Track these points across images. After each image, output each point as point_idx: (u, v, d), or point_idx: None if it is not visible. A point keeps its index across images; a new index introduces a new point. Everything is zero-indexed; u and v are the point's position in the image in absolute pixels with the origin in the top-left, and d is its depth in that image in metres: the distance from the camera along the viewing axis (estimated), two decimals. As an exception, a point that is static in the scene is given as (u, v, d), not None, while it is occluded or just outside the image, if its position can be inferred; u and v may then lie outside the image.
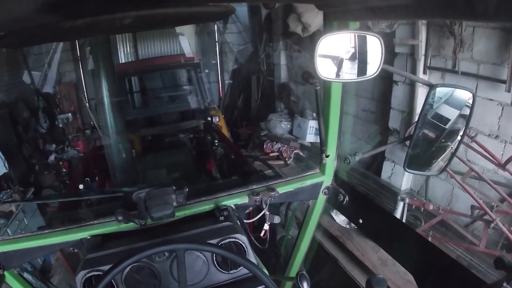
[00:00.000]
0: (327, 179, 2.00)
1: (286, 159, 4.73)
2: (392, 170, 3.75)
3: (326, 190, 2.02)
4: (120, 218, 1.53)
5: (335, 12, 1.49)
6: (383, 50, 1.25)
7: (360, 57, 1.31)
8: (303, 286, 1.59)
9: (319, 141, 5.40)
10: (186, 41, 5.61)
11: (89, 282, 1.48)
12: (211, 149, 3.71)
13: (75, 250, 1.79)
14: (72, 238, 1.72)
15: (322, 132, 1.82)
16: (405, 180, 3.64)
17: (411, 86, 3.43)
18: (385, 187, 3.72)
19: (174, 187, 1.59)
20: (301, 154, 4.75)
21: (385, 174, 3.83)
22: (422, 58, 3.28)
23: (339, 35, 1.35)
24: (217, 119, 4.81)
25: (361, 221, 2.03)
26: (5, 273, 1.76)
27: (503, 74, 2.76)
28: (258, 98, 5.99)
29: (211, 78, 5.82)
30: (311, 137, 4.98)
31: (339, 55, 1.32)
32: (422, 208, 3.07)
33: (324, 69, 1.29)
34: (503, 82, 2.73)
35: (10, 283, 1.83)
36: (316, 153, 4.87)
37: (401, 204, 2.99)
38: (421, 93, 3.32)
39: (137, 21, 1.70)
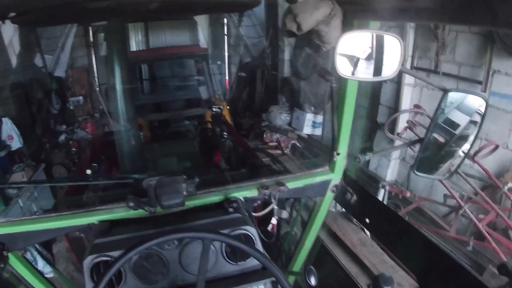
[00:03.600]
0: (336, 177, 1.98)
1: (284, 149, 4.95)
2: (378, 162, 4.01)
3: (334, 188, 2.00)
4: (131, 204, 1.53)
5: (356, 11, 1.49)
6: (403, 51, 1.26)
7: (378, 57, 1.32)
8: (311, 281, 1.64)
9: (316, 133, 5.51)
10: (197, 32, 5.79)
11: (96, 267, 1.49)
12: (219, 140, 3.72)
13: (81, 235, 1.79)
14: (79, 222, 1.72)
15: (335, 129, 1.82)
16: (390, 172, 3.91)
17: (398, 85, 3.65)
18: (371, 177, 3.94)
19: (184, 176, 1.57)
20: (298, 144, 4.97)
21: (372, 165, 4.11)
22: (409, 59, 3.53)
23: (358, 33, 1.36)
24: (221, 109, 5.00)
25: (367, 221, 2.05)
26: (9, 254, 1.75)
27: (480, 75, 3.02)
28: (262, 91, 6.19)
29: (219, 70, 5.94)
30: (308, 129, 5.21)
31: (357, 53, 1.32)
32: (401, 195, 3.33)
33: (343, 67, 1.30)
34: (480, 83, 2.99)
35: (13, 265, 1.80)
36: (313, 145, 5.12)
37: (382, 191, 3.18)
38: (406, 91, 3.57)
39: (163, 7, 1.69)
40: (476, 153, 2.73)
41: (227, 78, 5.53)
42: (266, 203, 1.84)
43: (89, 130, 5.72)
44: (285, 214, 2.95)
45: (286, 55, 5.94)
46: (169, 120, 5.13)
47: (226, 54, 5.50)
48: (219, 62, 5.77)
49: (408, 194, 3.20)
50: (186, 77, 5.61)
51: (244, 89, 6.19)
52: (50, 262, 3.29)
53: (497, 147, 2.76)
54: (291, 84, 5.73)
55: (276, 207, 1.81)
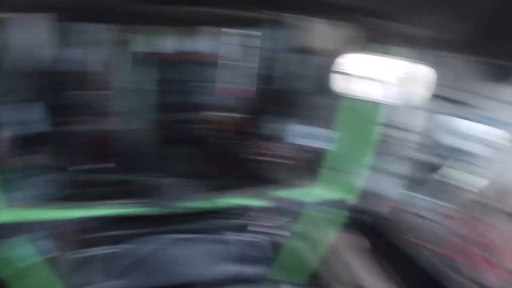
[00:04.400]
0: (345, 195, 2.09)
1: (286, 160, 5.22)
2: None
3: (341, 205, 2.11)
4: (147, 201, 1.66)
5: (378, 36, 1.57)
6: (429, 82, 1.25)
7: (403, 84, 1.29)
8: None
9: (319, 147, 5.68)
10: (223, 40, 6.06)
11: (103, 258, 1.60)
12: (230, 147, 3.95)
13: (85, 226, 1.95)
14: (88, 214, 1.89)
15: (351, 148, 1.86)
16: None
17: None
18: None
19: (196, 179, 1.74)
20: (300, 157, 5.24)
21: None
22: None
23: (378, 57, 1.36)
24: (234, 115, 5.36)
25: (370, 242, 2.15)
26: (16, 238, 1.95)
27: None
28: (276, 102, 6.43)
29: (238, 79, 6.22)
30: (314, 143, 5.40)
31: (374, 75, 1.36)
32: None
33: (363, 87, 1.27)
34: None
35: (18, 248, 2.02)
36: (315, 161, 5.32)
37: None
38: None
39: (196, 17, 1.83)
40: None
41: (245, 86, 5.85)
42: (275, 212, 1.95)
43: (102, 122, 6.02)
44: (288, 225, 3.14)
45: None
46: (182, 124, 5.31)
47: (249, 65, 5.83)
48: (240, 72, 6.09)
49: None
50: (204, 82, 5.82)
51: (260, 99, 6.45)
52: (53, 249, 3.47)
53: None
54: (305, 98, 6.00)
55: (281, 217, 1.91)
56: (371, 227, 2.07)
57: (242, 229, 1.54)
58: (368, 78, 1.34)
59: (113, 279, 1.46)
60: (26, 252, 1.98)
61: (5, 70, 5.39)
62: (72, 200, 2.01)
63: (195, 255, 1.55)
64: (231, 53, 5.85)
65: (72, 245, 3.62)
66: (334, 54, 5.24)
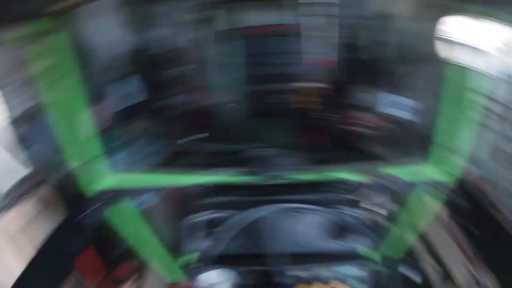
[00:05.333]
0: (449, 175, 1.96)
1: (373, 130, 5.22)
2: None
3: (444, 186, 1.99)
4: (245, 170, 1.68)
5: None
6: None
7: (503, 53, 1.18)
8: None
9: (413, 120, 5.52)
10: (304, 11, 6.03)
11: (211, 222, 1.64)
12: (323, 118, 3.86)
13: (188, 193, 2.00)
14: (189, 181, 1.93)
15: (458, 126, 1.77)
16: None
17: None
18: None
19: (295, 152, 1.70)
20: (389, 127, 5.20)
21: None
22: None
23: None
24: (322, 86, 5.42)
25: (475, 233, 1.99)
26: (120, 201, 2.04)
27: None
28: (363, 71, 6.30)
29: (326, 50, 6.26)
30: (403, 114, 5.32)
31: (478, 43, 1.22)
32: None
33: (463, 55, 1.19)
34: None
35: (118, 214, 2.14)
36: (406, 131, 5.23)
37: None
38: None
39: None
40: None
41: (334, 58, 5.88)
42: (371, 188, 1.89)
43: (195, 95, 6.48)
44: (386, 204, 3.12)
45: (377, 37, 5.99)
46: (271, 92, 5.46)
47: (338, 35, 5.83)
48: (324, 42, 6.12)
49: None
50: (290, 54, 5.90)
51: (345, 70, 6.43)
52: (149, 215, 3.69)
53: None
54: (387, 66, 5.87)
55: (379, 194, 1.86)
56: (472, 209, 1.93)
57: (348, 203, 1.51)
58: (468, 45, 1.15)
59: (219, 245, 1.40)
60: (130, 216, 2.05)
61: (105, 51, 5.98)
62: (174, 167, 1.95)
63: (303, 226, 1.62)
64: (313, 24, 5.90)
65: (176, 211, 4.04)
66: (423, 19, 5.05)
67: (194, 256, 1.63)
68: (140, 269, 4.82)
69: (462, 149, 1.80)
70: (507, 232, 1.97)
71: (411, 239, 2.25)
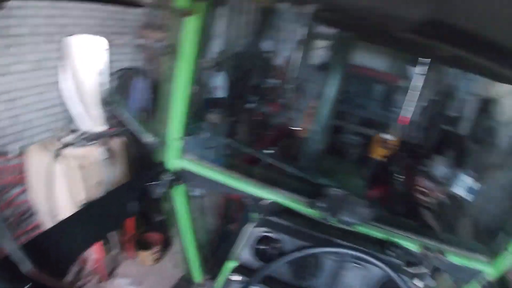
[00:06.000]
0: (492, 272, 1.83)
1: (432, 199, 5.12)
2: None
3: (485, 283, 1.87)
4: (321, 205, 1.62)
5: None
6: None
7: None
8: None
9: (468, 198, 5.22)
10: (402, 65, 6.13)
11: (262, 239, 1.58)
12: (390, 177, 3.77)
13: (247, 202, 1.87)
14: (257, 193, 1.85)
15: None
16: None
17: None
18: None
19: (368, 202, 1.65)
20: (447, 200, 5.09)
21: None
22: None
23: None
24: (392, 138, 5.27)
25: None
26: (179, 186, 1.96)
27: None
28: (437, 140, 6.33)
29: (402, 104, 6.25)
30: (460, 190, 5.12)
31: None
32: None
33: None
34: None
35: (176, 195, 2.04)
36: (460, 210, 5.05)
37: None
38: None
39: (452, 58, 1.67)
40: None
41: (410, 115, 5.83)
42: (412, 262, 1.76)
43: (274, 109, 6.68)
44: (432, 283, 2.97)
45: (472, 115, 5.97)
46: (344, 131, 5.60)
47: (418, 93, 5.80)
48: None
49: None
50: (371, 99, 6.06)
51: (421, 132, 6.38)
52: (202, 208, 3.79)
53: None
54: (464, 143, 5.79)
55: (428, 272, 1.72)
56: None
57: (395, 268, 1.45)
58: None
59: (268, 265, 1.38)
60: (182, 200, 2.08)
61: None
62: (241, 172, 1.98)
63: (354, 278, 1.57)
64: (416, 82, 5.84)
65: (229, 215, 4.00)
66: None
67: (233, 264, 1.63)
68: (166, 243, 4.93)
69: None
70: None
71: None
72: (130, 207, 1.77)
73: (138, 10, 5.38)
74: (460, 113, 6.19)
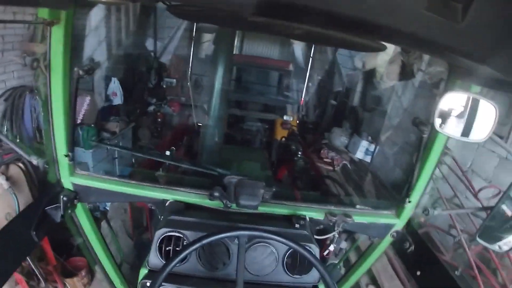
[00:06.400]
0: (400, 223, 1.95)
1: (336, 166, 5.53)
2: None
3: (395, 234, 1.97)
4: (216, 194, 1.62)
5: (462, 72, 1.52)
6: (496, 119, 1.27)
7: (470, 119, 1.32)
8: None
9: (366, 159, 5.79)
10: (288, 49, 6.55)
11: (167, 239, 1.57)
12: (291, 156, 3.78)
13: (152, 207, 1.88)
14: (156, 196, 1.83)
15: (414, 177, 1.80)
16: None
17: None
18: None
19: (264, 183, 1.67)
20: (349, 166, 5.52)
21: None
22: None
23: (459, 94, 1.35)
24: (291, 119, 5.72)
25: (418, 273, 2.06)
26: (78, 204, 1.88)
27: (503, 131, 3.50)
28: (331, 114, 6.91)
29: (297, 87, 6.59)
30: (360, 154, 5.82)
31: (455, 112, 1.32)
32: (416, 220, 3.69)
33: (439, 121, 1.33)
34: (502, 137, 3.45)
35: (78, 215, 1.95)
36: (362, 170, 5.52)
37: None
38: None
39: (305, 34, 1.64)
40: (478, 191, 3.20)
41: (303, 95, 6.18)
42: (326, 229, 1.86)
43: (174, 109, 6.60)
44: (343, 245, 2.99)
45: (359, 88, 6.53)
46: (244, 120, 5.79)
47: (307, 74, 6.16)
48: (299, 80, 6.46)
49: (422, 220, 3.33)
50: (267, 86, 6.35)
51: (315, 109, 6.96)
52: (108, 221, 3.54)
53: (500, 192, 3.07)
54: (356, 113, 6.39)
55: (337, 235, 1.81)
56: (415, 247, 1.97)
57: (299, 238, 1.54)
58: (450, 114, 1.30)
59: (171, 263, 1.38)
60: (85, 217, 2.01)
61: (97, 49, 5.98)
62: (141, 178, 1.93)
63: (261, 257, 1.66)
64: (305, 64, 6.17)
65: (134, 223, 3.76)
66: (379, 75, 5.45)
67: (144, 271, 1.60)
68: (91, 265, 4.67)
69: (416, 198, 1.88)
70: (441, 264, 2.07)
71: (358, 275, 2.24)
72: (29, 238, 1.63)
73: (19, 25, 4.88)
74: (349, 87, 6.70)
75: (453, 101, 1.35)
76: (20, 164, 3.90)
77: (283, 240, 1.44)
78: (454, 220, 3.31)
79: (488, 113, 1.30)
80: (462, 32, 0.87)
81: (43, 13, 1.50)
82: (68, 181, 1.80)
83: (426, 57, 3.99)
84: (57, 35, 1.55)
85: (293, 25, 1.41)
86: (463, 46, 0.97)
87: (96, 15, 4.80)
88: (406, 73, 4.46)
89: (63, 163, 1.79)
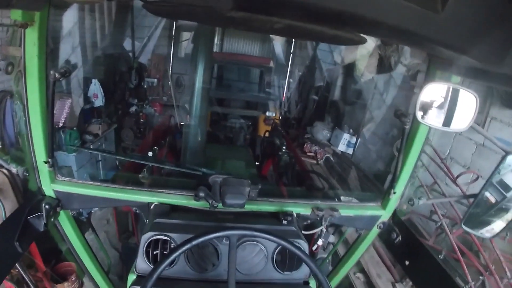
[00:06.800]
0: (386, 215, 1.98)
1: (319, 159, 5.64)
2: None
3: (381, 225, 2.01)
4: (201, 194, 1.61)
5: (441, 63, 1.54)
6: (477, 108, 1.28)
7: (451, 109, 1.34)
8: None
9: (348, 152, 5.88)
10: (268, 46, 6.63)
11: (154, 243, 1.56)
12: (276, 152, 3.79)
13: (137, 211, 1.85)
14: (141, 199, 1.81)
15: (398, 168, 1.82)
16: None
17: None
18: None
19: (249, 181, 1.66)
20: (331, 159, 5.64)
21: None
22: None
23: (440, 85, 1.37)
24: (273, 115, 5.80)
25: (407, 263, 2.06)
26: (61, 211, 1.84)
27: (479, 119, 3.66)
28: (313, 108, 6.92)
29: (278, 83, 6.79)
30: (342, 147, 5.89)
31: (436, 103, 1.34)
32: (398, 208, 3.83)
33: (421, 112, 1.34)
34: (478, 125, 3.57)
35: (62, 222, 1.91)
36: (344, 163, 5.62)
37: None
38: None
39: (284, 29, 1.60)
40: (457, 177, 3.25)
41: (284, 91, 6.23)
42: (313, 223, 1.88)
43: (156, 109, 6.56)
44: (331, 239, 2.99)
45: (339, 82, 6.60)
46: (227, 118, 5.81)
47: (288, 70, 6.20)
48: (280, 76, 6.56)
49: (404, 207, 3.59)
50: (249, 83, 6.33)
51: (297, 104, 7.05)
52: (93, 227, 3.46)
53: (478, 177, 3.19)
54: (337, 107, 6.49)
55: (324, 229, 1.82)
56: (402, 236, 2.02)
57: (287, 235, 1.54)
58: (432, 104, 1.33)
59: (160, 267, 1.36)
60: (69, 223, 1.97)
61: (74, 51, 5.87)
62: (124, 181, 1.92)
63: (251, 255, 1.65)
64: (286, 60, 6.22)
65: (120, 228, 3.70)
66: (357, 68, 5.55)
67: (133, 276, 1.57)
68: (78, 273, 4.61)
69: (400, 189, 1.90)
70: (428, 252, 2.06)
71: (348, 267, 2.27)
72: (14, 249, 1.58)
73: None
74: (329, 81, 6.78)
75: (433, 92, 1.38)
76: (4, 171, 3.81)
77: (274, 239, 1.44)
78: (436, 206, 3.43)
79: (468, 103, 1.32)
80: (441, 22, 0.90)
81: (16, 15, 1.46)
82: (49, 188, 1.76)
83: (403, 49, 4.08)
84: (32, 37, 1.51)
85: (272, 19, 1.38)
86: (443, 36, 0.99)
87: (71, 16, 4.68)
88: (384, 66, 4.56)
89: (43, 170, 1.74)
